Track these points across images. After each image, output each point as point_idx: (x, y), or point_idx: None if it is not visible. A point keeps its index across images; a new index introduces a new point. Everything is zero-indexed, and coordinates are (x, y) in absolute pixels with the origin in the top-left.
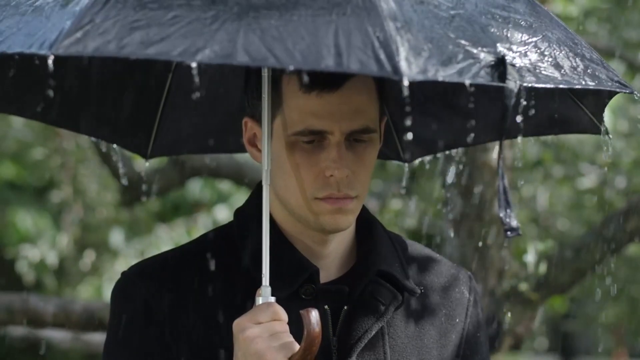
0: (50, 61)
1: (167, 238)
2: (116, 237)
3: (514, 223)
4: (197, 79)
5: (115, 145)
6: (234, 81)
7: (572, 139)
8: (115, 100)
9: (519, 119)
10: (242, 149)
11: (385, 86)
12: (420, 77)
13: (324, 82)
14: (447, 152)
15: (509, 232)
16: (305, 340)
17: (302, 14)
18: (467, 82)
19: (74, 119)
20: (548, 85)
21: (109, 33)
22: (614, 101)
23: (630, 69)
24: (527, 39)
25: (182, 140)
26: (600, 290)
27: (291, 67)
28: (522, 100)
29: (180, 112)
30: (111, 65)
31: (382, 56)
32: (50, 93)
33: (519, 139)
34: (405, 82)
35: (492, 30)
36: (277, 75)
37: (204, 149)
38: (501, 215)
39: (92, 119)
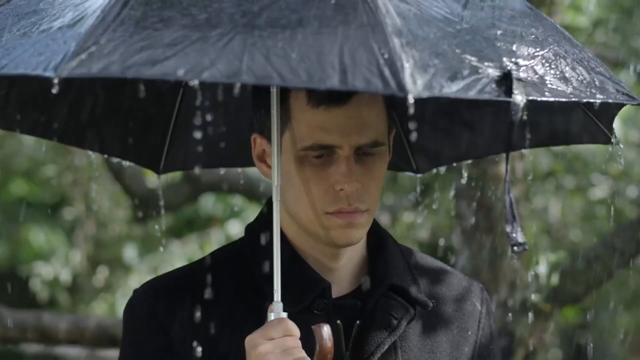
0: (55, 82)
1: (180, 253)
2: (129, 253)
3: (520, 238)
4: (200, 98)
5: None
6: (246, 95)
7: (583, 150)
8: (127, 116)
9: (527, 130)
10: (254, 164)
11: (393, 98)
12: (425, 94)
13: (332, 96)
14: (457, 164)
15: (515, 248)
16: (317, 355)
17: (307, 32)
18: (473, 97)
19: (85, 137)
20: (555, 99)
21: (113, 54)
22: (624, 111)
23: None
24: (534, 53)
25: (194, 155)
26: (614, 300)
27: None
28: (529, 113)
29: (192, 126)
30: (122, 81)
31: (387, 73)
32: (61, 111)
33: (528, 150)
34: (410, 100)
35: (499, 44)
36: (285, 91)
37: (216, 164)
38: (507, 230)
39: (102, 136)
